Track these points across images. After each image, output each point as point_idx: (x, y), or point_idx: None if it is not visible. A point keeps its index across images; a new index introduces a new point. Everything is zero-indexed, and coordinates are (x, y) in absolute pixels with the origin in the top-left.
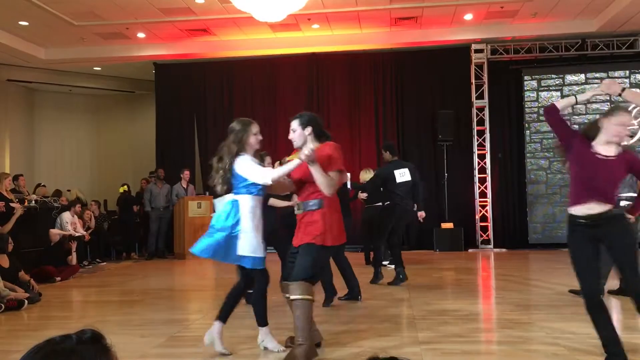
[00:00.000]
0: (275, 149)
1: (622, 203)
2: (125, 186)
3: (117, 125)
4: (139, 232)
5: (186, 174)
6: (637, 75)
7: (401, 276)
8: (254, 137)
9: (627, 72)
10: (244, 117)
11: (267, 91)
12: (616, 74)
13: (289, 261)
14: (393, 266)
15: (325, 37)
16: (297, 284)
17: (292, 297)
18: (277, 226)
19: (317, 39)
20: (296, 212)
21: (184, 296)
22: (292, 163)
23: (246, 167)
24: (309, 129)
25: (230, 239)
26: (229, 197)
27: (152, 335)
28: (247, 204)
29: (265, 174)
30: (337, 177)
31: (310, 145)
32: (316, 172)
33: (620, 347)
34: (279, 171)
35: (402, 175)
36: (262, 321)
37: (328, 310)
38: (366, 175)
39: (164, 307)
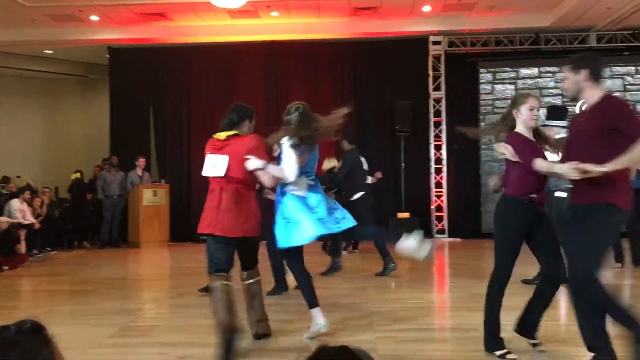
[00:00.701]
0: None
1: (557, 194)
2: (78, 173)
3: (70, 110)
4: (92, 220)
5: (141, 161)
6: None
7: (337, 265)
8: None
9: None
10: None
11: (225, 78)
12: None
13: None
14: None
15: (284, 25)
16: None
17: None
18: None
19: (276, 27)
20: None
21: (138, 285)
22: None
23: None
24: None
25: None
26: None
27: (105, 325)
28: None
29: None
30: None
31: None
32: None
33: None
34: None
35: (364, 163)
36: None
37: (281, 298)
38: (329, 164)
39: (117, 296)
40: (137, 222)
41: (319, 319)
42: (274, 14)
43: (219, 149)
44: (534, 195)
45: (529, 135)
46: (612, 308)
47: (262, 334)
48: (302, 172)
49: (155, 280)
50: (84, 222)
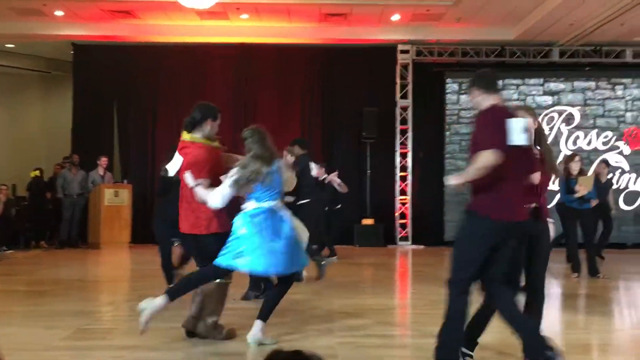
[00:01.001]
0: None
1: None
2: (37, 171)
3: (31, 106)
4: (51, 220)
5: (103, 160)
6: (550, 83)
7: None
8: None
9: (542, 80)
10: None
11: (194, 80)
12: (531, 81)
13: None
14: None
15: (254, 28)
16: None
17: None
18: None
19: (246, 30)
20: None
21: (96, 287)
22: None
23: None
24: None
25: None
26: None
27: (59, 327)
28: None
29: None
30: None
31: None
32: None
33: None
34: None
35: (314, 169)
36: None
37: (244, 303)
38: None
39: (74, 298)
40: (98, 223)
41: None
42: (244, 16)
43: (180, 149)
44: None
45: None
46: (453, 320)
47: (188, 331)
48: (260, 196)
49: (115, 282)
50: (42, 221)
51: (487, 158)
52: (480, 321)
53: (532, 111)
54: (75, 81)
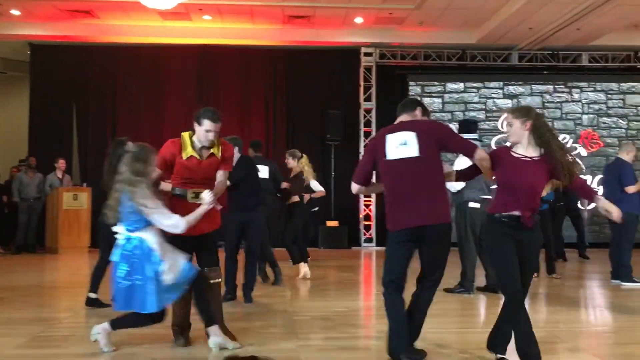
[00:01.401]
0: (160, 140)
1: (471, 204)
2: None
3: None
4: (7, 224)
5: (61, 163)
6: (509, 87)
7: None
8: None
9: (502, 83)
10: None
11: (154, 81)
12: (492, 84)
13: None
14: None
15: (216, 30)
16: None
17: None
18: None
19: (208, 31)
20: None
21: (53, 293)
22: (200, 212)
23: (150, 209)
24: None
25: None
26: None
27: (12, 335)
28: (151, 235)
29: (176, 223)
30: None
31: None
32: (198, 214)
33: (537, 346)
34: (190, 220)
35: (262, 172)
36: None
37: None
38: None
39: (31, 305)
40: (56, 227)
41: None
42: (206, 17)
43: None
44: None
45: None
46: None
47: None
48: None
49: (73, 288)
50: None
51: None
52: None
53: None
54: (33, 82)
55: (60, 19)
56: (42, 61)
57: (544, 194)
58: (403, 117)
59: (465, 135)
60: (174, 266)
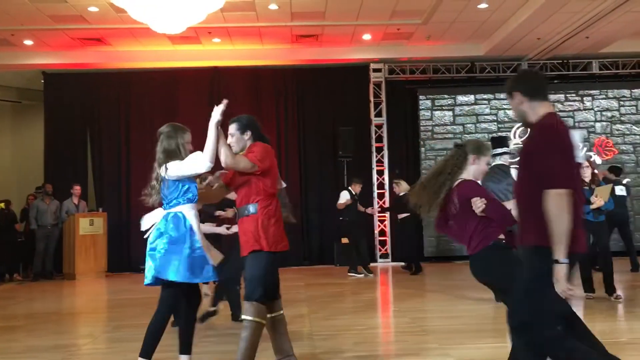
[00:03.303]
0: None
1: None
2: (3, 203)
3: (1, 137)
4: (23, 252)
5: (76, 189)
6: None
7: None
8: (189, 145)
9: None
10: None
11: (167, 105)
12: (502, 95)
13: None
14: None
15: (227, 52)
16: (249, 303)
17: (243, 317)
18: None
19: (218, 53)
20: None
21: (72, 320)
22: (211, 133)
23: (178, 166)
24: (248, 133)
25: (195, 256)
26: (159, 211)
27: None
28: (191, 212)
29: (199, 159)
30: (243, 162)
31: (218, 114)
32: (211, 136)
33: None
34: (208, 148)
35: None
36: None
37: (225, 326)
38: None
39: (50, 332)
40: (73, 253)
41: None
42: (216, 40)
43: None
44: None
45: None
46: None
47: None
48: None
49: (91, 314)
50: (13, 254)
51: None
52: None
53: None
54: (47, 110)
55: (73, 48)
56: (56, 89)
57: (601, 203)
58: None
59: (499, 150)
60: (207, 249)
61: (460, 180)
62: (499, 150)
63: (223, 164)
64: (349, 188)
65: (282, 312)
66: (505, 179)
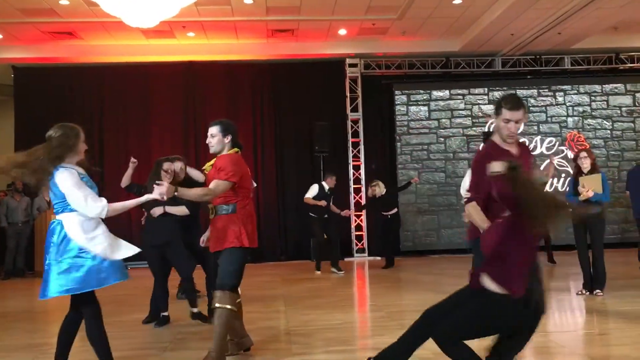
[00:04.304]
0: (148, 158)
1: None
2: None
3: None
4: None
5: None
6: (494, 92)
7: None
8: (83, 145)
9: (486, 89)
10: (68, 124)
11: (141, 99)
12: (476, 91)
13: None
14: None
15: (201, 46)
16: (223, 292)
17: (218, 305)
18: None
19: (193, 48)
20: (210, 216)
21: (45, 318)
22: (134, 201)
23: (70, 189)
24: (229, 137)
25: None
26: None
27: None
28: (74, 220)
29: (94, 205)
30: (221, 187)
31: (164, 185)
32: (183, 196)
33: None
34: (118, 207)
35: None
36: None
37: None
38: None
39: (22, 330)
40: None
41: None
42: (190, 34)
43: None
44: None
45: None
46: None
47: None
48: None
49: (64, 312)
50: None
51: None
52: None
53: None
54: (17, 105)
55: (43, 41)
56: (26, 84)
57: (590, 194)
58: None
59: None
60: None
61: None
62: None
63: (206, 199)
64: (322, 183)
65: (240, 298)
66: None
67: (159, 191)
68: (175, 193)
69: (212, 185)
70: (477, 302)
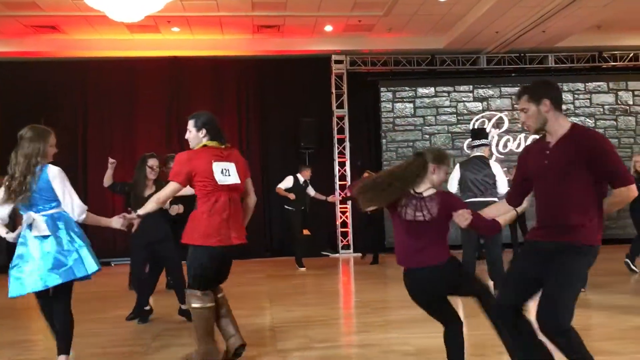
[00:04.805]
0: (132, 155)
1: None
2: None
3: None
4: None
5: None
6: (479, 90)
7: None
8: (52, 149)
9: (471, 86)
10: (38, 125)
11: (125, 94)
12: (461, 88)
13: None
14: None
15: (186, 41)
16: (192, 292)
17: (193, 305)
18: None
19: (178, 43)
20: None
21: (27, 315)
22: (105, 221)
23: (61, 183)
24: (203, 131)
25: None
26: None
27: None
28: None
29: (77, 207)
30: (168, 189)
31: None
32: (146, 212)
33: None
34: (96, 219)
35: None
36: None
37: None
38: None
39: (5, 327)
40: None
41: None
42: (175, 29)
43: (224, 157)
44: None
45: None
46: None
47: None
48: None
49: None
50: None
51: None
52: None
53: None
54: None
55: (26, 35)
56: (8, 79)
57: None
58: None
59: (477, 142)
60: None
61: (439, 190)
62: (478, 142)
63: (162, 205)
64: (297, 175)
65: (221, 294)
66: (483, 170)
67: (120, 222)
68: (139, 215)
69: (160, 194)
70: (575, 259)
